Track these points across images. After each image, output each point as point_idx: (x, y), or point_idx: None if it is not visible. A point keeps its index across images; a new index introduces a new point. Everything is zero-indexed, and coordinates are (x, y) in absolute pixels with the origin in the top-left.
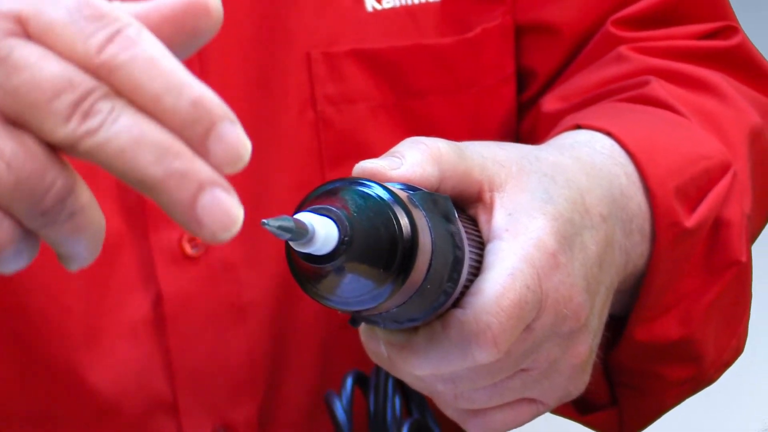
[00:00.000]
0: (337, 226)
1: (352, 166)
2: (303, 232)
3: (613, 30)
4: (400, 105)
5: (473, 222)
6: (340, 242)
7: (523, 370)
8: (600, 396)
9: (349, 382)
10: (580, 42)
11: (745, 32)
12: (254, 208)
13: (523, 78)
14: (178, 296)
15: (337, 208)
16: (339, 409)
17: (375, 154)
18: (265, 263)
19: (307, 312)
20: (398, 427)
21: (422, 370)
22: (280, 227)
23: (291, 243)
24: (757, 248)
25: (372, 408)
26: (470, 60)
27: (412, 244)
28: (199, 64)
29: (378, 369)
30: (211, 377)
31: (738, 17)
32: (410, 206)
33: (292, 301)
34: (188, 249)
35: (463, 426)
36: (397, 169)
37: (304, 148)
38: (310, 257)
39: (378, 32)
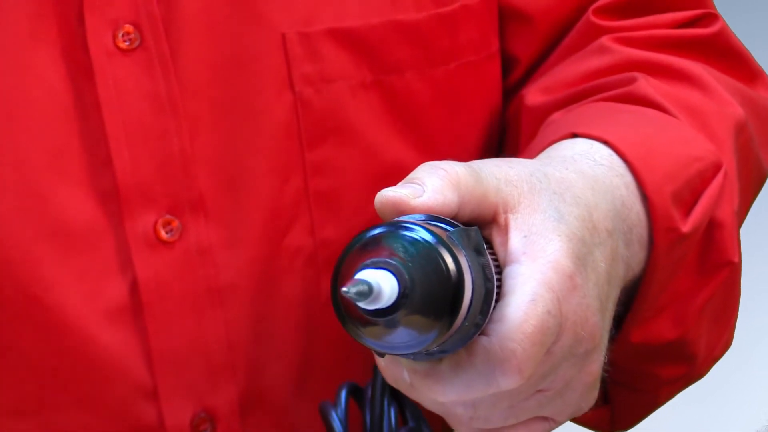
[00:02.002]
0: (397, 280)
1: (332, 146)
2: (371, 292)
3: (593, 19)
4: (378, 82)
5: (488, 244)
6: (401, 296)
7: (539, 390)
8: None
9: (343, 394)
10: (558, 31)
11: (744, 32)
12: (230, 190)
13: (506, 63)
14: (155, 281)
15: (392, 259)
16: (336, 421)
17: (354, 132)
18: (244, 246)
19: (288, 295)
20: None
21: (446, 397)
22: (357, 293)
23: (358, 303)
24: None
25: (369, 423)
26: (448, 35)
27: (459, 289)
28: (169, 46)
29: (374, 383)
30: (191, 362)
31: (738, 17)
32: (453, 247)
33: (272, 284)
34: (163, 234)
35: None
36: (420, 198)
37: (281, 130)
38: (369, 311)
39: (355, 11)
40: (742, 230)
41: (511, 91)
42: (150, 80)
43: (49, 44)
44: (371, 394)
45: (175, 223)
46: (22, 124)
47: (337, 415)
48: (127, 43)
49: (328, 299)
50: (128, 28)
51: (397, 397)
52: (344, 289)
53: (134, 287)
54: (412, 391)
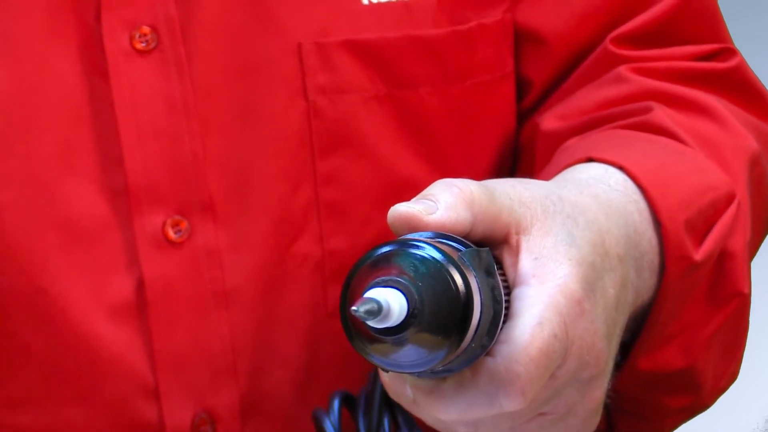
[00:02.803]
0: (406, 298)
1: (344, 156)
2: (381, 310)
3: (611, 48)
4: (391, 96)
5: (498, 264)
6: (410, 315)
7: (541, 413)
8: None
9: (336, 404)
10: (574, 56)
11: (745, 33)
12: (240, 194)
13: (521, 86)
14: (161, 281)
15: (401, 278)
16: (330, 428)
17: (366, 144)
18: (251, 250)
19: (293, 300)
20: None
21: (448, 415)
22: (366, 312)
23: (367, 322)
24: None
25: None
26: (463, 53)
27: (467, 309)
28: (185, 49)
29: (371, 392)
30: (193, 362)
31: (737, 17)
32: (463, 268)
33: (278, 289)
34: (172, 234)
35: None
36: (433, 214)
37: (293, 138)
38: (377, 329)
39: (372, 24)
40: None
41: (525, 114)
42: (164, 82)
43: (66, 41)
44: (366, 402)
45: (184, 224)
46: (35, 118)
47: (331, 422)
48: (143, 45)
49: (333, 308)
50: (145, 29)
51: (389, 404)
52: (354, 308)
53: (140, 285)
54: (414, 407)
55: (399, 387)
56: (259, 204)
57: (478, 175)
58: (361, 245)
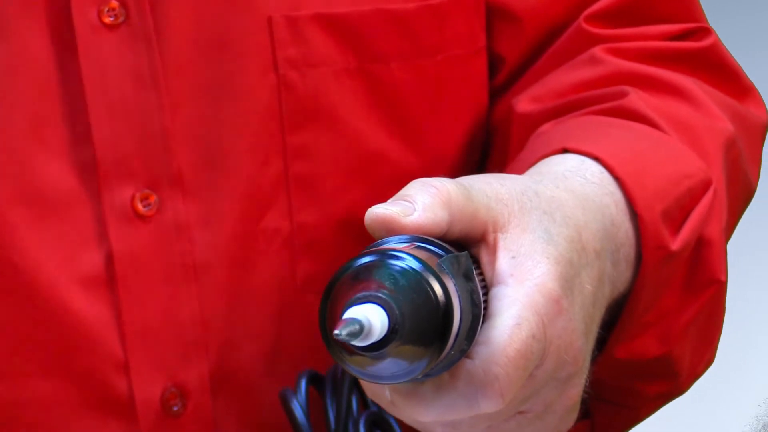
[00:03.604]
0: (387, 313)
1: (314, 130)
2: (362, 330)
3: (585, 26)
4: (362, 70)
5: (476, 262)
6: (391, 330)
7: (519, 412)
8: None
9: (303, 383)
10: (546, 33)
11: (744, 33)
12: (209, 169)
13: (493, 62)
14: (130, 254)
15: (381, 293)
16: (297, 408)
17: (337, 118)
18: (220, 224)
19: (263, 276)
20: (356, 423)
21: (427, 417)
22: (349, 334)
23: (351, 342)
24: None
25: (333, 410)
26: (435, 27)
27: (447, 318)
28: (154, 23)
29: (335, 372)
30: (163, 336)
31: (737, 18)
32: (442, 276)
33: (247, 265)
34: (141, 208)
35: None
36: (410, 216)
37: (263, 112)
38: (358, 347)
39: None
40: (741, 230)
41: (498, 91)
42: (133, 56)
43: (36, 15)
44: (333, 382)
45: (153, 198)
46: (4, 91)
47: (298, 402)
48: (111, 19)
49: (302, 283)
50: (114, 3)
51: (358, 383)
52: (336, 332)
53: (109, 259)
54: (392, 408)
55: (377, 389)
56: (229, 178)
57: (449, 150)
58: (331, 219)
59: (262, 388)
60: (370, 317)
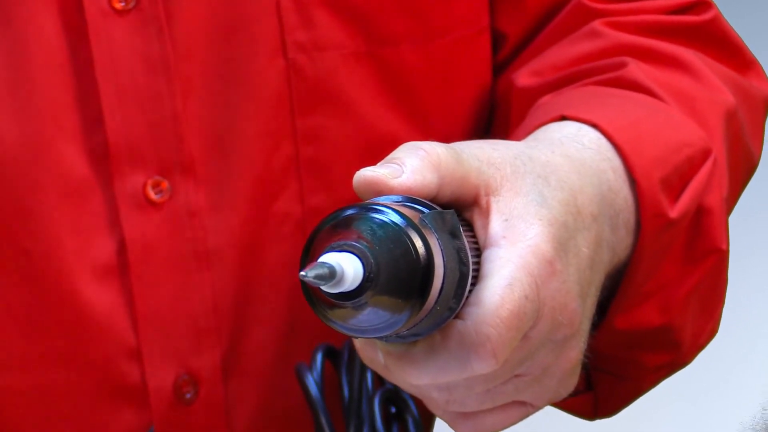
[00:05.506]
0: (362, 263)
1: (324, 114)
2: (333, 275)
3: (585, 1)
4: (371, 53)
5: (469, 226)
6: (366, 279)
7: (516, 375)
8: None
9: (318, 357)
10: (548, 9)
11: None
12: (220, 154)
13: (495, 39)
14: (142, 241)
15: (358, 242)
16: (312, 383)
17: (346, 102)
18: (232, 210)
19: (275, 261)
20: (370, 400)
21: (420, 380)
22: (316, 276)
23: (321, 287)
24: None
25: (346, 386)
26: (442, 9)
27: (428, 272)
28: (164, 8)
29: (351, 346)
30: (175, 324)
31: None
32: (424, 230)
33: (259, 250)
34: (152, 195)
35: (452, 427)
36: (398, 178)
37: (273, 96)
38: (334, 294)
39: None
40: (741, 230)
41: (500, 67)
42: (144, 42)
43: (48, 1)
44: (348, 357)
45: (165, 185)
46: (22, 76)
47: (312, 377)
48: (122, 4)
49: None
50: None
51: None
52: (302, 273)
53: (122, 246)
54: (386, 372)
55: (371, 353)
56: (240, 164)
57: (457, 131)
58: (342, 202)
59: (274, 373)
60: (343, 264)
